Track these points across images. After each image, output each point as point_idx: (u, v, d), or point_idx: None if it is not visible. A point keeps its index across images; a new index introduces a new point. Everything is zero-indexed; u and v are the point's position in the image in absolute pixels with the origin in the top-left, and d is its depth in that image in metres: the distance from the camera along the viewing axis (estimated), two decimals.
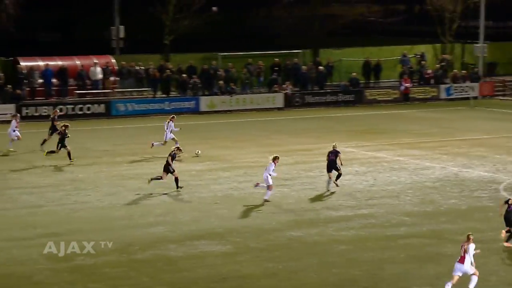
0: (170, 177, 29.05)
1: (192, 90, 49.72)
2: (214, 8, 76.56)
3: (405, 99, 52.85)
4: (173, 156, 29.14)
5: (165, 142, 35.26)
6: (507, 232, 22.69)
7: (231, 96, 49.74)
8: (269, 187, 27.72)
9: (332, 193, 28.96)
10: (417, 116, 47.63)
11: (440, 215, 26.12)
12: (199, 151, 33.99)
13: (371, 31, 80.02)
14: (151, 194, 28.81)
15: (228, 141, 39.43)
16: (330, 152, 29.58)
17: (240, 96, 50.15)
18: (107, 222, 25.41)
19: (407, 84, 52.98)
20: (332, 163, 29.37)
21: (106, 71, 49.41)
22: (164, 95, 49.88)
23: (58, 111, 39.51)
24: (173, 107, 48.34)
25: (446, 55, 57.18)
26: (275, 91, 51.06)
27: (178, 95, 50.04)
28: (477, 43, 55.88)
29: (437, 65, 55.79)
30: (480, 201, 27.80)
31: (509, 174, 31.56)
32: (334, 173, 29.29)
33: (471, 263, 19.41)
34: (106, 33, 54.04)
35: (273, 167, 27.68)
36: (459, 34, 58.82)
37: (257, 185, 28.26)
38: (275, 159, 27.73)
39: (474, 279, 19.49)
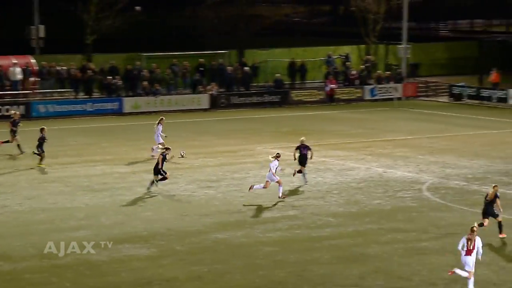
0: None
1: (116, 91, 49.26)
2: (138, 8, 76.02)
3: (330, 100, 53.42)
4: (164, 157, 29.04)
5: (158, 144, 34.55)
6: (479, 225, 22.35)
7: (156, 97, 49.46)
8: (278, 183, 28.12)
9: (258, 194, 29.08)
10: (342, 117, 48.19)
11: (365, 215, 26.49)
12: (184, 152, 33.68)
13: (297, 31, 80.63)
14: (73, 197, 28.44)
15: (152, 142, 39.15)
16: (299, 147, 30.46)
17: (165, 97, 49.91)
18: (27, 227, 24.96)
19: (332, 85, 53.54)
20: (303, 158, 30.29)
21: (26, 71, 48.51)
22: (86, 96, 49.27)
23: (17, 112, 38.67)
24: (96, 108, 47.81)
25: (370, 56, 58.01)
26: (200, 92, 50.98)
27: (101, 96, 49.51)
28: (400, 44, 56.83)
29: (362, 66, 56.56)
30: (404, 202, 28.28)
31: (432, 174, 32.20)
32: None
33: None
34: (26, 33, 53.10)
35: (277, 165, 28.09)
36: (383, 35, 59.73)
37: (251, 187, 28.41)
38: (277, 157, 28.21)
39: (471, 281, 19.45)
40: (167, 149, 29.69)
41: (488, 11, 79.98)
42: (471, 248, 19.54)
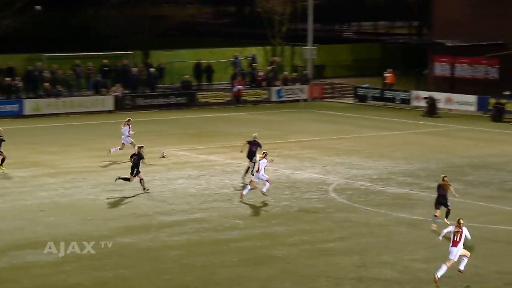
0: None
1: (16, 93, 48.13)
2: (38, 7, 74.49)
3: (237, 101, 53.56)
4: (139, 156, 28.88)
5: (123, 145, 34.90)
6: (435, 216, 24.61)
7: (58, 99, 48.56)
8: (268, 181, 28.46)
9: (165, 197, 28.87)
10: (249, 119, 48.37)
11: (272, 217, 26.62)
12: (165, 153, 33.00)
13: (202, 32, 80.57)
14: None
15: (55, 145, 38.48)
16: (250, 143, 31.25)
17: (67, 99, 49.07)
18: None
19: (240, 86, 53.69)
20: (252, 154, 30.86)
21: None
22: None
23: None
24: None
25: (276, 58, 58.44)
26: (105, 94, 50.34)
27: (0, 98, 48.28)
28: (306, 45, 57.46)
29: (268, 68, 56.92)
30: (311, 203, 28.56)
31: (338, 176, 32.62)
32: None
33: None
34: None
35: (266, 163, 28.46)
36: (289, 36, 60.29)
37: (251, 188, 28.56)
38: (265, 155, 28.56)
39: (465, 261, 20.60)
40: (140, 147, 29.50)
41: (390, 13, 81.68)
42: (457, 239, 20.44)
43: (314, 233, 24.76)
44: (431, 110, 49.43)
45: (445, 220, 25.00)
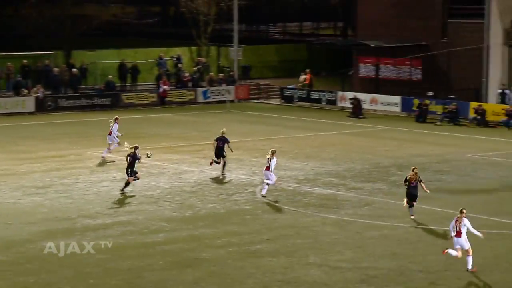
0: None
1: None
2: None
3: (163, 102, 53.29)
4: (134, 157, 28.70)
5: (114, 144, 35.13)
6: (409, 205, 26.18)
7: None
8: (270, 183, 28.98)
9: (89, 200, 28.54)
10: (175, 120, 48.18)
11: (199, 219, 26.56)
12: (150, 153, 32.37)
13: (126, 32, 79.87)
14: None
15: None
16: (218, 139, 32.26)
17: None
18: None
19: (165, 87, 53.42)
20: (220, 150, 32.05)
21: None
22: None
23: None
24: None
25: (202, 58, 58.35)
26: (25, 95, 49.44)
27: None
28: (232, 46, 57.53)
29: (194, 68, 56.79)
30: (238, 205, 28.59)
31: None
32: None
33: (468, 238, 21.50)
34: None
35: (275, 161, 28.98)
36: (215, 37, 60.25)
37: (267, 184, 29.00)
38: (273, 153, 29.00)
39: (470, 260, 21.33)
40: (136, 148, 29.26)
41: (316, 14, 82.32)
42: (459, 230, 21.38)
43: (242, 235, 24.80)
44: (357, 111, 50.06)
45: (407, 205, 26.28)
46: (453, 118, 47.17)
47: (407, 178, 26.43)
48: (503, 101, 47.77)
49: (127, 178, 29.38)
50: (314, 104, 54.35)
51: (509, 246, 23.52)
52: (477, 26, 49.55)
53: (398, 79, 53.87)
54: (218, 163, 32.52)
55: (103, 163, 34.94)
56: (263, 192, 29.21)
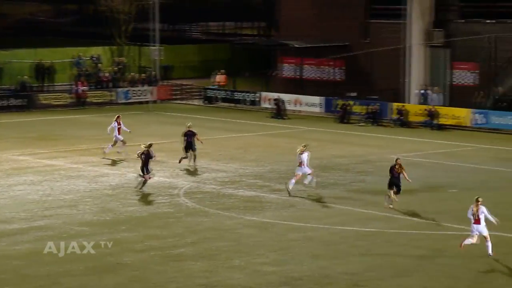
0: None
1: None
2: None
3: (81, 103, 52.69)
4: (148, 155, 29.64)
5: (119, 142, 36.19)
6: (394, 193, 27.68)
7: None
8: (311, 174, 29.69)
9: (4, 205, 28.03)
10: (94, 121, 47.68)
11: (120, 223, 26.36)
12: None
13: (43, 31, 78.70)
14: None
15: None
16: (186, 134, 33.69)
17: None
18: None
19: (83, 88, 52.84)
20: (189, 144, 33.67)
21: None
22: None
23: None
24: None
25: (122, 58, 57.90)
26: None
27: None
28: (152, 46, 57.24)
29: (114, 68, 56.32)
30: (160, 207, 28.47)
31: (188, 179, 32.69)
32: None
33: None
34: None
35: (307, 156, 29.56)
36: (135, 36, 59.84)
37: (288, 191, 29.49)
38: (305, 147, 29.76)
39: (489, 245, 22.49)
40: (150, 145, 30.11)
41: (238, 14, 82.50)
42: (477, 218, 22.44)
43: (164, 238, 24.70)
44: (280, 111, 50.40)
45: (395, 197, 27.70)
46: (376, 118, 47.93)
47: (392, 167, 27.88)
48: (424, 102, 48.75)
49: (143, 176, 30.07)
50: (237, 105, 54.50)
51: (432, 246, 24.01)
52: (398, 26, 50.42)
53: (322, 80, 54.46)
54: (186, 158, 33.85)
55: (19, 167, 34.38)
56: (313, 184, 30.05)
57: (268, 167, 35.04)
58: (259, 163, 35.94)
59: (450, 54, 50.06)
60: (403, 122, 47.26)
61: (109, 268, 21.99)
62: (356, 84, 51.79)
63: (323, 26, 53.78)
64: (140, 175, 30.45)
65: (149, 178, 30.33)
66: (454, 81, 50.02)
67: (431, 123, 46.50)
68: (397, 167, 27.85)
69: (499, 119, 45.23)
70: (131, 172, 33.38)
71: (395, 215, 27.31)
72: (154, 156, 30.39)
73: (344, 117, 48.76)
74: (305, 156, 29.78)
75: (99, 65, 55.90)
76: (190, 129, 34.36)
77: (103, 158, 35.98)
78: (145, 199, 29.47)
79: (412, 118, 47.45)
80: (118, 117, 37.13)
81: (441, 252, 23.41)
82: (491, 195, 29.79)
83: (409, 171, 34.45)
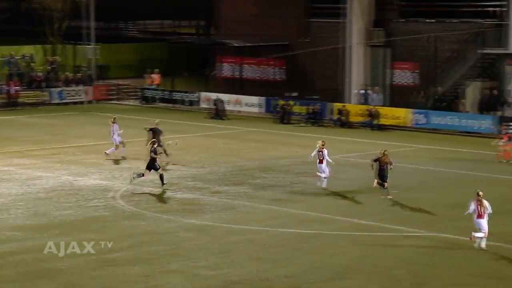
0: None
1: None
2: None
3: (13, 104, 51.99)
4: (154, 152, 30.53)
5: (117, 146, 36.25)
6: (379, 184, 29.01)
7: None
8: (326, 177, 30.42)
9: None
10: (26, 122, 47.07)
11: (55, 227, 26.03)
12: (177, 141, 33.95)
13: None
14: None
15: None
16: (152, 130, 34.79)
17: None
18: None
19: (15, 87, 52.13)
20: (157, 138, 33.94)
21: None
22: None
23: None
24: None
25: (56, 57, 57.26)
26: None
27: None
28: (88, 44, 56.69)
29: (48, 68, 55.65)
30: (97, 211, 28.20)
31: (126, 181, 32.41)
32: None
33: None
34: None
35: (327, 153, 30.33)
36: (70, 34, 59.19)
37: (324, 178, 30.31)
38: (323, 144, 30.42)
39: (484, 240, 23.00)
40: (153, 142, 31.29)
41: (176, 12, 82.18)
42: (481, 212, 23.02)
43: (100, 241, 24.43)
44: (219, 112, 50.37)
45: (385, 184, 28.92)
46: (316, 119, 48.22)
47: (378, 159, 28.91)
48: (365, 102, 49.19)
49: (142, 175, 30.97)
50: (175, 105, 54.31)
51: (372, 248, 24.21)
52: (338, 25, 50.80)
53: (262, 80, 54.58)
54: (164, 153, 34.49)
55: None
56: (323, 185, 30.70)
57: (207, 169, 34.98)
58: (199, 165, 35.86)
59: (390, 53, 50.62)
60: (343, 122, 47.64)
61: (43, 274, 21.69)
62: (297, 84, 52.04)
63: (263, 25, 53.94)
64: (138, 174, 31.13)
65: (161, 171, 31.25)
66: (395, 81, 50.59)
67: (372, 123, 46.96)
68: (383, 157, 28.90)
69: (439, 119, 45.88)
70: (66, 175, 33.00)
71: (336, 217, 27.49)
72: (156, 152, 31.25)
73: (284, 117, 48.95)
74: (326, 153, 30.60)
75: (32, 64, 55.18)
76: (157, 127, 35.42)
77: (106, 159, 36.31)
78: (80, 202, 29.15)
79: (352, 119, 47.85)
80: (114, 118, 37.06)
81: (382, 253, 23.62)
82: (430, 196, 30.23)
83: (350, 171, 34.83)
